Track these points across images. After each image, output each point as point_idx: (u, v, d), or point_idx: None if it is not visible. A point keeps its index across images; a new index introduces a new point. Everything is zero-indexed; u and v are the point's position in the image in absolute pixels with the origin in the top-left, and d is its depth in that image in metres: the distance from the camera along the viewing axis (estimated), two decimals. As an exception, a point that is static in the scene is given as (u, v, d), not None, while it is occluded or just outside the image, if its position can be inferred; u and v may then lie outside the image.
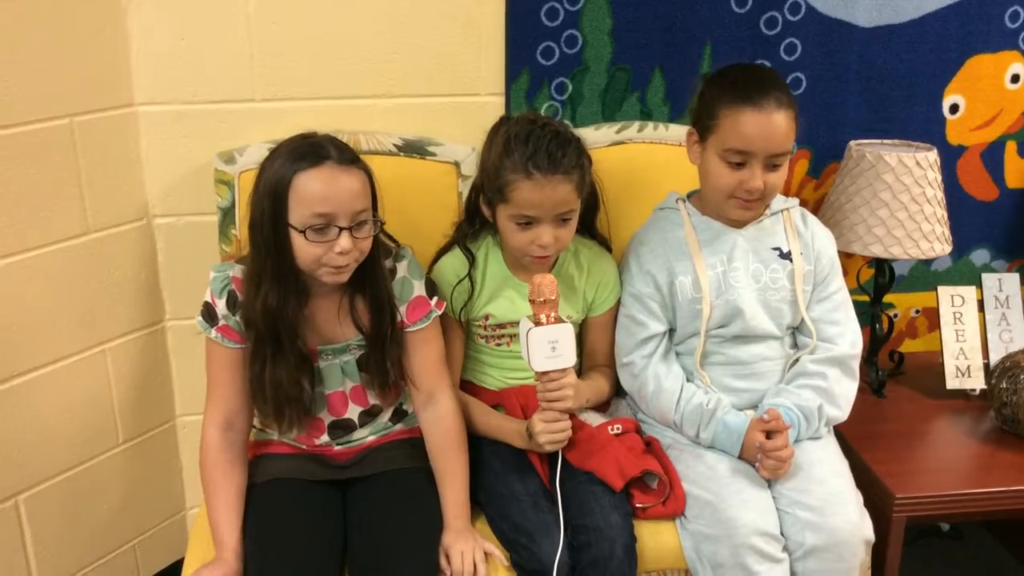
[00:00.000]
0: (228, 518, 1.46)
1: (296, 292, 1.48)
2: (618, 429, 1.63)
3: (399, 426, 1.66)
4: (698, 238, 1.68)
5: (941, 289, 2.01)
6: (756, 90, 1.54)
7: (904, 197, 1.87)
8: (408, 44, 1.86)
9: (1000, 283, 2.03)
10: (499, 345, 1.71)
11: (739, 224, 1.68)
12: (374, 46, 1.85)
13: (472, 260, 1.67)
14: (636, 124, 1.92)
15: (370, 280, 1.53)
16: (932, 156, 1.90)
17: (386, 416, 1.65)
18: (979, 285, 2.03)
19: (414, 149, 1.83)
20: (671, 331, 1.71)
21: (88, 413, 1.82)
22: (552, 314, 1.45)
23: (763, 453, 1.53)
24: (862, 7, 1.97)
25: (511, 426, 1.61)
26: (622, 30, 1.92)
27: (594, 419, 1.66)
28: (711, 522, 1.51)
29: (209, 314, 1.51)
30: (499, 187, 1.54)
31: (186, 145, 1.83)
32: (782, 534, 1.51)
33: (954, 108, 2.08)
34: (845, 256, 1.92)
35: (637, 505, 1.55)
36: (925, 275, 2.20)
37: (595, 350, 1.75)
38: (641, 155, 1.89)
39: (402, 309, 1.57)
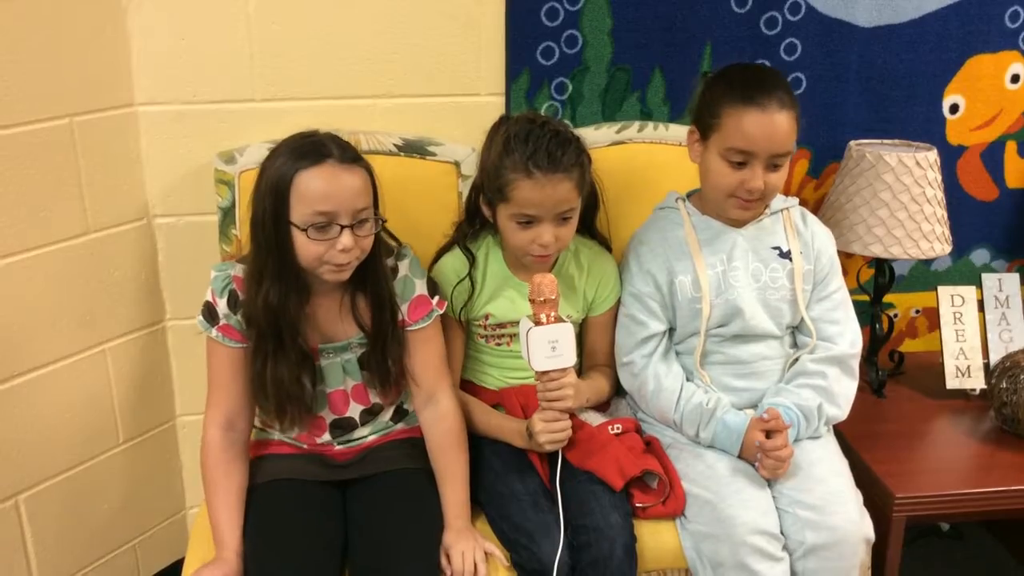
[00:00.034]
0: (229, 518, 1.46)
1: (297, 290, 1.48)
2: (618, 429, 1.63)
3: (400, 425, 1.66)
4: (698, 237, 1.68)
5: (941, 289, 2.01)
6: (759, 90, 1.54)
7: (904, 197, 1.87)
8: (408, 44, 1.86)
9: (1000, 283, 2.03)
10: (499, 345, 1.71)
11: (739, 223, 1.68)
12: (374, 46, 1.85)
13: (472, 260, 1.67)
14: (636, 124, 1.92)
15: (371, 278, 1.53)
16: (932, 156, 1.90)
17: (387, 415, 1.65)
18: (979, 285, 2.03)
19: (414, 149, 1.83)
20: (671, 330, 1.71)
21: (88, 413, 1.82)
22: (552, 314, 1.45)
23: (763, 452, 1.53)
24: (862, 7, 1.97)
25: (511, 425, 1.61)
26: (622, 30, 1.92)
27: (594, 419, 1.66)
28: (711, 521, 1.51)
29: (210, 313, 1.51)
30: (499, 186, 1.54)
31: (186, 145, 1.83)
32: (782, 533, 1.51)
33: (954, 108, 2.08)
34: (845, 256, 1.92)
35: (637, 505, 1.55)
36: (925, 275, 2.20)
37: (595, 350, 1.76)
38: (641, 155, 1.89)
39: (403, 308, 1.57)
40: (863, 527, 1.52)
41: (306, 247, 1.43)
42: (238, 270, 1.52)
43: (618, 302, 1.72)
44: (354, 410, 1.61)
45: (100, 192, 1.76)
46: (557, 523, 1.47)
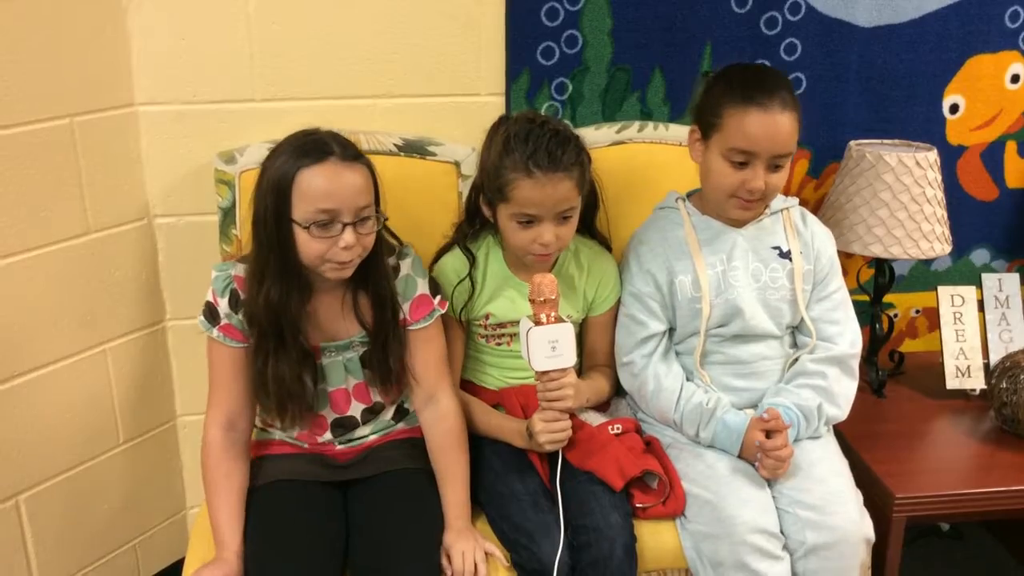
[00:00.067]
0: (229, 518, 1.46)
1: (299, 288, 1.48)
2: (618, 429, 1.63)
3: (400, 425, 1.66)
4: (698, 237, 1.68)
5: (941, 289, 2.01)
6: (762, 91, 1.54)
7: (904, 197, 1.87)
8: (408, 44, 1.86)
9: (1000, 283, 2.03)
10: (499, 345, 1.71)
11: (739, 223, 1.68)
12: (374, 46, 1.86)
13: (472, 260, 1.67)
14: (636, 124, 1.92)
15: (373, 276, 1.53)
16: (932, 156, 1.90)
17: (388, 414, 1.65)
18: (979, 285, 2.03)
19: (414, 149, 1.83)
20: (671, 330, 1.71)
21: (89, 413, 1.82)
22: (552, 314, 1.45)
23: (763, 452, 1.53)
24: (862, 7, 1.97)
25: (511, 425, 1.61)
26: (622, 30, 1.92)
27: (594, 419, 1.66)
28: (710, 521, 1.51)
29: (211, 313, 1.51)
30: (499, 186, 1.54)
31: (186, 145, 1.83)
32: (783, 533, 1.51)
33: (954, 108, 2.08)
34: (845, 256, 1.92)
35: (637, 505, 1.55)
36: (925, 275, 2.20)
37: (595, 350, 1.76)
38: (641, 155, 1.89)
39: (405, 307, 1.58)
40: (863, 527, 1.52)
41: (308, 245, 1.43)
42: (239, 270, 1.52)
43: (618, 302, 1.72)
44: (356, 409, 1.61)
45: (100, 192, 1.76)
46: (557, 523, 1.47)
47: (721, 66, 1.68)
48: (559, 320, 1.45)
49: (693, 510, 1.54)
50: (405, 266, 1.59)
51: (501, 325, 1.69)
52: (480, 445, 1.63)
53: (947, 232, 1.94)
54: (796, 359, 1.69)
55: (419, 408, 1.62)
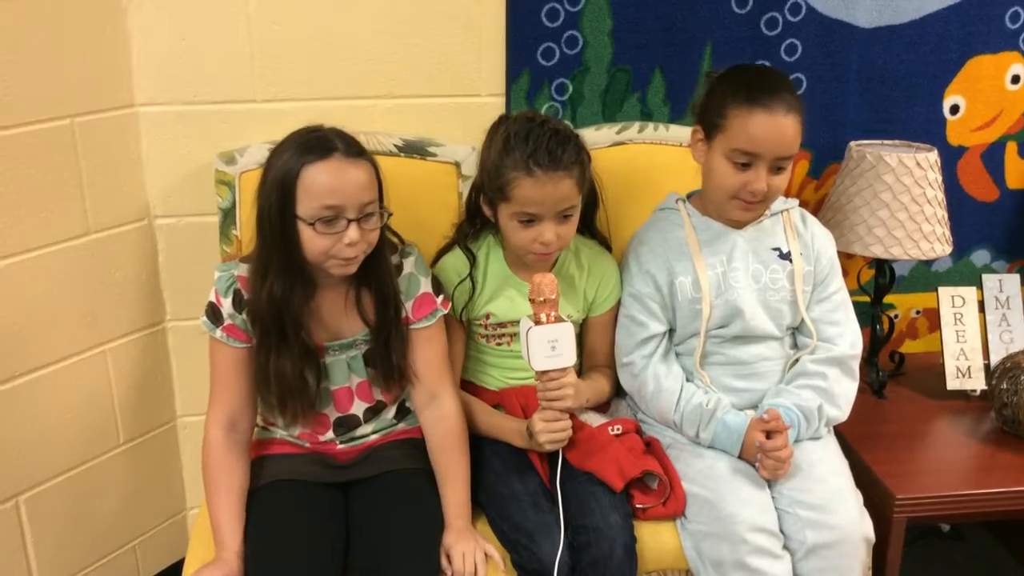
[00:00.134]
0: (230, 518, 1.46)
1: (302, 284, 1.49)
2: (618, 429, 1.63)
3: (401, 425, 1.66)
4: (698, 238, 1.68)
5: (941, 290, 2.01)
6: (766, 92, 1.54)
7: (904, 198, 1.87)
8: (409, 44, 1.86)
9: (1000, 284, 2.03)
10: (500, 344, 1.71)
11: (739, 225, 1.68)
12: (375, 46, 1.86)
13: (473, 260, 1.67)
14: (636, 125, 1.92)
15: (375, 273, 1.53)
16: (932, 157, 1.90)
17: (390, 413, 1.66)
18: (979, 286, 2.03)
19: (415, 149, 1.83)
20: (671, 331, 1.71)
21: (89, 413, 1.82)
22: (552, 313, 1.45)
23: (763, 453, 1.53)
24: (862, 8, 1.97)
25: (512, 425, 1.61)
26: (622, 31, 1.92)
27: (594, 419, 1.66)
28: (710, 520, 1.51)
29: (214, 314, 1.52)
30: (500, 186, 1.54)
31: (187, 146, 1.83)
32: (783, 533, 1.51)
33: (954, 109, 2.08)
34: (845, 257, 1.92)
35: (637, 506, 1.55)
36: (925, 276, 2.20)
37: (595, 350, 1.76)
38: (641, 156, 1.89)
39: (408, 305, 1.58)
40: (863, 526, 1.52)
41: (313, 241, 1.43)
42: (242, 269, 1.52)
43: (618, 303, 1.72)
44: (358, 407, 1.62)
45: (101, 193, 1.76)
46: (557, 523, 1.47)
47: (721, 67, 1.68)
48: (559, 320, 1.45)
49: (693, 509, 1.54)
50: (408, 264, 1.59)
51: (501, 325, 1.69)
52: (480, 445, 1.63)
53: (947, 233, 1.94)
54: (796, 360, 1.69)
55: (420, 408, 1.62)
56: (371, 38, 1.85)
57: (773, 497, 1.55)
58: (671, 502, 1.55)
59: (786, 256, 1.68)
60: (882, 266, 2.01)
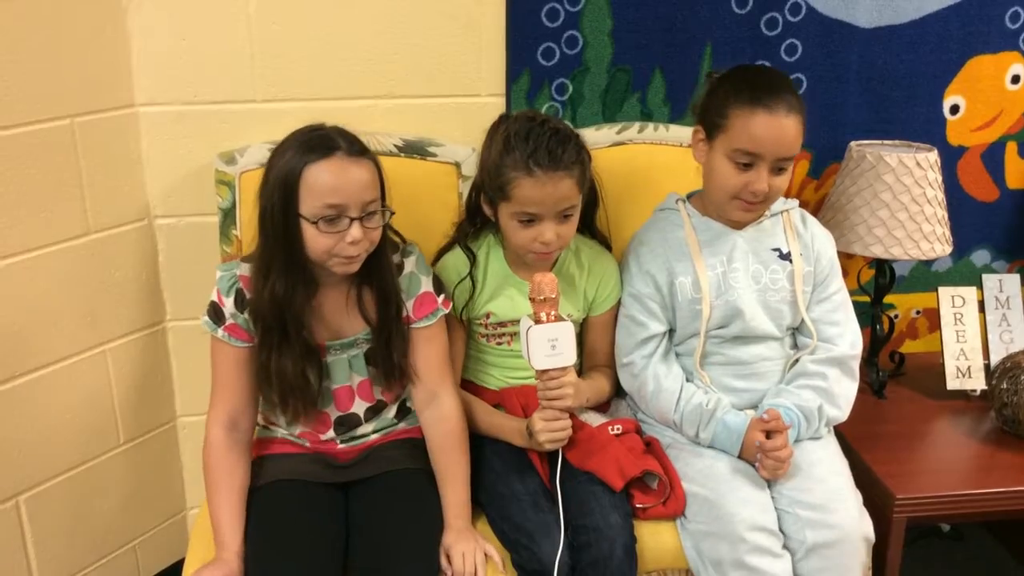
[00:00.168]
0: (230, 518, 1.46)
1: (304, 282, 1.49)
2: (618, 429, 1.63)
3: (402, 424, 1.67)
4: (698, 239, 1.68)
5: (942, 290, 2.01)
6: (768, 92, 1.54)
7: (904, 198, 1.87)
8: (409, 45, 1.86)
9: (1001, 284, 2.03)
10: (500, 344, 1.71)
11: (739, 225, 1.68)
12: (375, 47, 1.86)
13: (473, 259, 1.67)
14: (636, 125, 1.92)
15: (377, 272, 1.54)
16: (932, 157, 1.90)
17: (391, 412, 1.66)
18: (979, 286, 2.03)
19: (415, 150, 1.83)
20: (671, 331, 1.71)
21: (89, 413, 1.82)
22: (552, 312, 1.45)
23: (763, 453, 1.53)
24: (862, 8, 1.97)
25: (512, 424, 1.61)
26: (622, 31, 1.92)
27: (594, 419, 1.66)
28: (710, 519, 1.51)
29: (216, 313, 1.52)
30: (500, 185, 1.54)
31: (187, 146, 1.83)
32: (783, 533, 1.51)
33: (954, 109, 2.08)
34: (845, 257, 1.92)
35: (637, 505, 1.55)
36: (926, 276, 2.20)
37: (596, 350, 1.76)
38: (641, 156, 1.89)
39: (409, 304, 1.58)
40: (863, 526, 1.52)
41: (316, 240, 1.44)
42: (243, 269, 1.52)
43: (619, 302, 1.72)
44: (359, 407, 1.62)
45: (101, 193, 1.76)
46: (557, 523, 1.47)
47: (721, 67, 1.69)
48: (559, 319, 1.45)
49: (693, 509, 1.54)
50: (409, 264, 1.59)
51: (502, 324, 1.69)
52: (481, 445, 1.63)
53: (948, 233, 1.94)
54: (796, 360, 1.69)
55: (420, 408, 1.62)
56: (371, 38, 1.85)
57: (773, 497, 1.55)
58: (671, 502, 1.55)
59: (786, 256, 1.68)
60: (882, 266, 2.01)
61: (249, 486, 1.52)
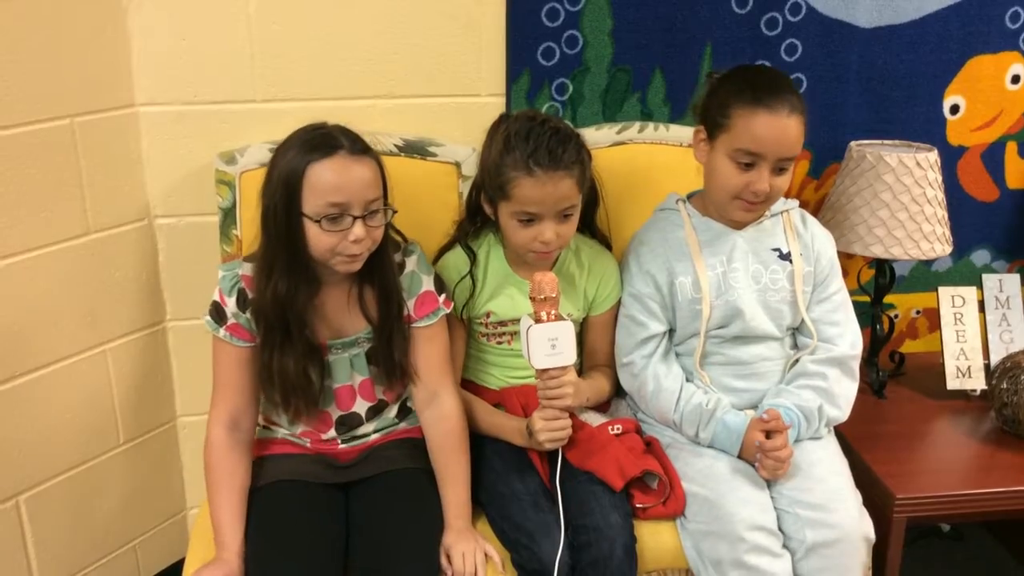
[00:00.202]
0: (231, 518, 1.46)
1: (307, 281, 1.49)
2: (618, 429, 1.63)
3: (403, 424, 1.67)
4: (698, 239, 1.68)
5: (942, 290, 2.01)
6: (770, 92, 1.54)
7: (904, 198, 1.87)
8: (409, 44, 1.86)
9: (1001, 284, 2.03)
10: (500, 343, 1.71)
11: (739, 225, 1.68)
12: (375, 46, 1.86)
13: (473, 258, 1.67)
14: (637, 125, 1.92)
15: (378, 270, 1.54)
16: (932, 157, 1.90)
17: (392, 412, 1.66)
18: (980, 286, 2.03)
19: (415, 149, 1.83)
20: (671, 331, 1.71)
21: (89, 413, 1.82)
22: (552, 312, 1.45)
23: (762, 453, 1.53)
24: (862, 8, 1.97)
25: (512, 424, 1.61)
26: (623, 31, 1.92)
27: (594, 419, 1.66)
28: (709, 519, 1.51)
29: (218, 313, 1.52)
30: (500, 184, 1.54)
31: (187, 146, 1.83)
32: (783, 532, 1.51)
33: (954, 109, 2.08)
34: (846, 257, 1.92)
35: (637, 505, 1.55)
36: (926, 276, 2.20)
37: (596, 349, 1.76)
38: (641, 156, 1.89)
39: (410, 303, 1.58)
40: (863, 526, 1.52)
41: (319, 238, 1.44)
42: (245, 268, 1.52)
43: (619, 302, 1.72)
44: (360, 406, 1.62)
45: (101, 193, 1.76)
46: (557, 523, 1.47)
47: (722, 67, 1.69)
48: (559, 318, 1.45)
49: (692, 509, 1.54)
50: (411, 263, 1.60)
51: (502, 323, 1.69)
52: (481, 445, 1.63)
53: (948, 233, 1.94)
54: (796, 360, 1.69)
55: (420, 408, 1.62)
56: (371, 38, 1.85)
57: (773, 497, 1.55)
58: (671, 502, 1.55)
59: (786, 257, 1.68)
60: (882, 266, 2.01)
61: (250, 486, 1.51)
